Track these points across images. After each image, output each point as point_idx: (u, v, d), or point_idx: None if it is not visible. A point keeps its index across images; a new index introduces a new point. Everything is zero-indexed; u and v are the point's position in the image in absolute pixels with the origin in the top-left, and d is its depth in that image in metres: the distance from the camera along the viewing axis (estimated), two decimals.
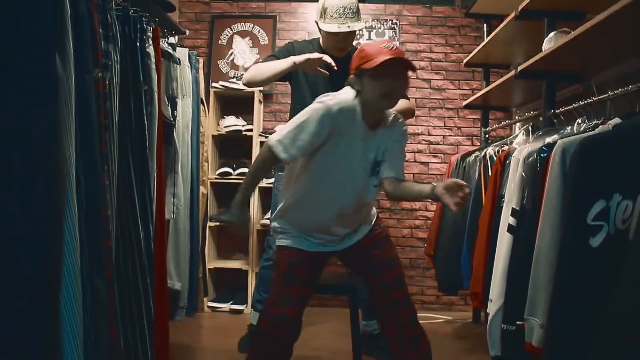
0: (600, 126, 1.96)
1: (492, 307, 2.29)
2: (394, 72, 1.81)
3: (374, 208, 2.17)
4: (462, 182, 1.79)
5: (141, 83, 1.87)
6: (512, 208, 2.24)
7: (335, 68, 2.42)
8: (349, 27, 2.52)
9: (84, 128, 1.44)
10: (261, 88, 3.90)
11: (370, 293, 2.05)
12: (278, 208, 2.09)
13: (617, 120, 1.87)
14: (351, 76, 1.88)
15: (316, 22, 2.64)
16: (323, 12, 2.56)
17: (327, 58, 2.42)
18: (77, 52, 1.43)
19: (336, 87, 2.30)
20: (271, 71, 2.51)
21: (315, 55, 2.43)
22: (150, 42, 1.98)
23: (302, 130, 1.80)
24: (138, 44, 1.88)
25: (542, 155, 2.06)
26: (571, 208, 1.75)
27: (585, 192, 1.71)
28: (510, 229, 2.24)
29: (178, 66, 2.35)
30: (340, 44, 2.62)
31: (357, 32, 2.67)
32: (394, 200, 2.02)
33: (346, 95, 1.87)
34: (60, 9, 1.35)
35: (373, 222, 2.12)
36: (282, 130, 1.84)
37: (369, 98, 1.84)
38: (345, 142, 1.86)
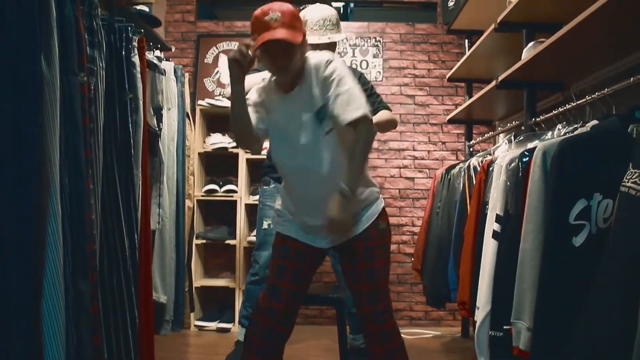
0: (579, 129, 2.00)
1: (480, 314, 2.29)
2: (271, 52, 1.74)
3: (374, 192, 2.00)
4: None
5: (126, 91, 1.89)
6: (497, 214, 2.26)
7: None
8: (329, 38, 2.56)
9: (69, 129, 1.44)
10: None
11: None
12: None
13: (594, 122, 1.91)
14: None
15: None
16: (303, 25, 2.59)
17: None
18: (63, 54, 1.44)
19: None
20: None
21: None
22: (136, 51, 2.00)
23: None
24: (124, 52, 1.90)
25: (523, 160, 2.09)
26: (553, 208, 1.77)
27: (566, 192, 1.74)
28: (495, 235, 2.26)
29: (163, 78, 2.37)
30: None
31: (337, 43, 2.70)
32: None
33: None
34: (46, 11, 1.36)
35: (371, 221, 1.97)
36: None
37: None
38: (274, 113, 1.89)
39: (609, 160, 1.72)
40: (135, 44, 2.00)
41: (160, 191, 2.28)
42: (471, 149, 3.73)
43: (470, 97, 3.73)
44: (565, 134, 2.14)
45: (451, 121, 3.80)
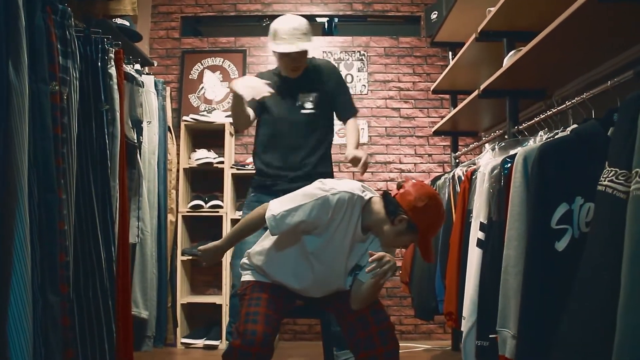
0: (559, 134, 2.00)
1: (466, 324, 2.25)
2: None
3: None
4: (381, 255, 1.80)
5: (102, 102, 1.86)
6: (480, 222, 2.24)
7: (270, 91, 2.45)
8: (297, 47, 2.58)
9: (39, 138, 1.41)
10: (232, 120, 3.91)
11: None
12: (252, 250, 2.08)
13: (574, 126, 1.91)
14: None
15: (270, 46, 2.71)
16: (274, 35, 2.64)
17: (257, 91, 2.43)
18: (33, 63, 1.42)
19: (288, 105, 2.61)
20: (232, 113, 2.61)
21: (242, 81, 2.46)
22: (112, 63, 1.98)
23: (296, 212, 1.81)
24: (99, 63, 1.88)
25: (505, 166, 2.08)
26: (535, 213, 1.75)
27: (548, 197, 1.72)
28: (479, 243, 2.23)
29: (143, 90, 2.35)
30: (292, 64, 2.68)
31: (308, 52, 2.72)
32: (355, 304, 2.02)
33: (349, 186, 1.88)
34: (14, 19, 1.34)
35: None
36: (281, 204, 1.86)
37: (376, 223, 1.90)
38: (333, 234, 1.88)
39: (590, 163, 1.70)
40: (112, 55, 1.98)
41: (139, 204, 2.24)
42: (457, 160, 3.73)
43: (455, 108, 3.74)
44: (547, 139, 2.13)
45: (437, 133, 3.80)
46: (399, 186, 1.91)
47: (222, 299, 3.74)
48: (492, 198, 2.18)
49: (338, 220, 1.85)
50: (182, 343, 3.71)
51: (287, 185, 2.54)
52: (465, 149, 3.68)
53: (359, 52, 4.20)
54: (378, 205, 1.89)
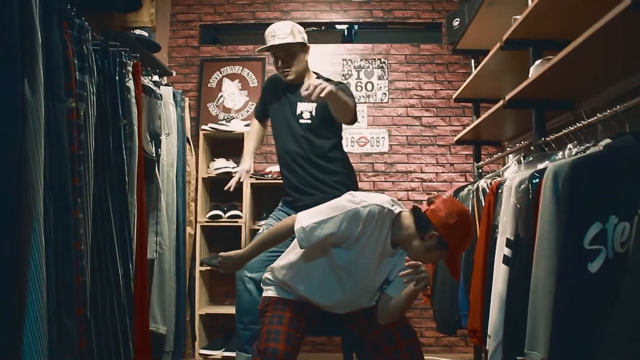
0: (591, 148, 1.91)
1: (491, 343, 2.18)
2: None
3: None
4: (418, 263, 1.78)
5: (120, 117, 1.83)
6: (507, 238, 2.16)
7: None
8: (273, 41, 2.61)
9: (55, 157, 1.38)
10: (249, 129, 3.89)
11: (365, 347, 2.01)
12: (276, 264, 2.05)
13: (607, 140, 1.83)
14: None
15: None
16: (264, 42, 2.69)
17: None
18: (49, 80, 1.39)
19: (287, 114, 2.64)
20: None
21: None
22: (130, 76, 1.95)
23: (326, 224, 1.79)
24: (117, 77, 1.86)
25: (533, 181, 2.00)
26: (566, 233, 1.68)
27: (580, 216, 1.64)
28: (505, 260, 2.16)
29: (161, 102, 2.32)
30: (280, 67, 2.68)
31: (305, 58, 2.73)
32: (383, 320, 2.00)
33: (379, 199, 1.86)
34: (30, 37, 1.32)
35: None
36: (310, 216, 1.84)
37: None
38: (363, 248, 1.85)
39: (624, 181, 1.63)
40: (130, 68, 1.95)
41: (157, 219, 2.21)
42: (480, 170, 3.64)
43: (478, 117, 3.66)
44: (576, 153, 2.05)
45: (459, 142, 3.72)
46: (430, 202, 1.88)
47: None
48: (519, 214, 2.10)
49: (368, 234, 1.82)
50: (200, 354, 3.68)
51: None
52: (489, 159, 3.59)
53: (380, 59, 4.14)
54: (408, 220, 1.87)
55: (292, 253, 2.02)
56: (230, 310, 3.80)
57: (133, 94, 1.94)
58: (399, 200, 4.02)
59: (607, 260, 1.61)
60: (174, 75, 3.21)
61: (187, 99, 3.06)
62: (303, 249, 1.92)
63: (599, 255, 1.62)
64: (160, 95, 2.30)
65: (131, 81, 1.94)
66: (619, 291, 1.60)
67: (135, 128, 1.92)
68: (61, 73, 1.45)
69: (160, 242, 2.30)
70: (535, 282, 1.85)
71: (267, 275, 2.08)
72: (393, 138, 4.08)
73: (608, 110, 1.97)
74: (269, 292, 2.05)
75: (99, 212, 1.71)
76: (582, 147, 2.06)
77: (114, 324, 1.75)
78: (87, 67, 1.61)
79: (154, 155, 2.17)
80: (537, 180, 1.98)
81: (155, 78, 2.46)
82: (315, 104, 2.67)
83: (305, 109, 2.69)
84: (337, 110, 2.49)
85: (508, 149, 3.60)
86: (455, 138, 3.72)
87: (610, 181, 1.64)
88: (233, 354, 3.65)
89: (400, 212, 1.91)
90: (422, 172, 4.05)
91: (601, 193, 1.64)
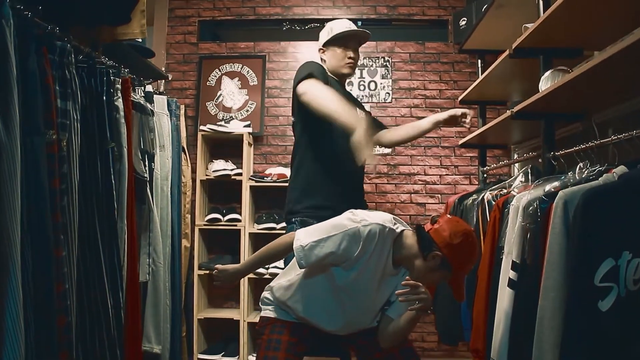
0: (604, 174, 1.81)
1: None
2: None
3: None
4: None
5: (108, 140, 1.74)
6: (513, 261, 2.08)
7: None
8: (359, 28, 2.51)
9: (33, 199, 1.29)
10: (250, 130, 3.79)
11: None
12: (275, 284, 1.98)
13: (622, 168, 1.73)
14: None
15: (321, 49, 2.59)
16: (329, 32, 2.55)
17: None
18: (25, 114, 1.30)
19: None
20: (334, 111, 2.06)
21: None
22: (119, 94, 1.85)
23: (325, 242, 1.73)
24: (105, 97, 1.76)
25: (542, 206, 1.91)
26: (577, 269, 1.59)
27: (592, 251, 1.56)
28: (511, 283, 2.08)
29: (152, 118, 2.22)
30: (350, 58, 2.55)
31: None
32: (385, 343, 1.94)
33: (380, 218, 1.79)
34: (3, 69, 1.22)
35: None
36: (309, 234, 1.77)
37: None
38: (364, 268, 1.78)
39: (639, 215, 1.54)
40: (119, 86, 1.85)
41: (149, 239, 2.13)
42: (485, 175, 3.54)
43: (484, 119, 3.55)
44: (587, 176, 1.95)
45: (464, 145, 3.62)
46: (434, 221, 1.81)
47: (240, 314, 3.65)
48: (525, 237, 2.02)
49: (369, 254, 1.76)
50: (199, 359, 3.64)
51: None
52: (495, 163, 3.49)
53: (383, 57, 4.01)
54: (410, 239, 1.81)
55: (292, 271, 1.96)
56: (230, 314, 3.75)
57: (122, 113, 1.84)
58: (402, 203, 3.94)
59: (619, 299, 1.53)
60: (169, 78, 3.10)
61: (182, 106, 2.97)
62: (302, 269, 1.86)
63: (611, 293, 1.54)
64: (152, 111, 2.20)
65: (120, 99, 1.84)
66: (630, 330, 1.53)
67: (125, 150, 1.83)
68: (39, 104, 1.35)
69: (154, 259, 2.23)
70: (541, 313, 1.78)
71: (266, 294, 2.03)
72: None
73: (623, 134, 1.87)
74: (268, 312, 1.99)
75: (87, 244, 1.63)
76: (593, 170, 1.96)
77: (104, 356, 1.68)
78: (69, 93, 1.51)
79: (146, 175, 2.08)
80: (546, 205, 1.89)
81: (149, 88, 2.36)
82: (362, 112, 2.58)
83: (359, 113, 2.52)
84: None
85: (515, 154, 3.50)
86: (461, 141, 3.61)
87: (624, 215, 1.56)
88: (232, 359, 3.61)
89: (402, 230, 1.84)
90: (425, 174, 3.95)
91: (614, 227, 1.55)
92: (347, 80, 3.89)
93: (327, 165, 2.33)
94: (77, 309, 1.56)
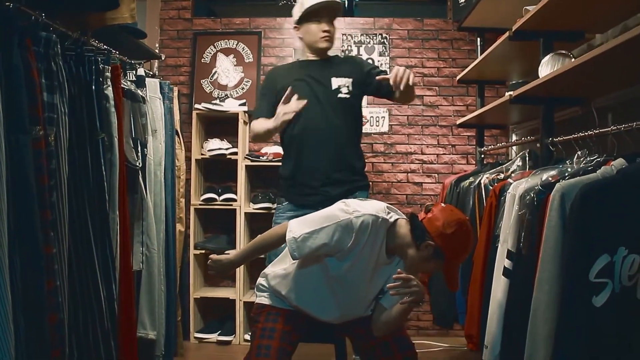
0: (602, 167, 1.79)
1: (488, 354, 2.14)
2: None
3: None
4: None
5: (97, 130, 1.70)
6: (508, 250, 2.08)
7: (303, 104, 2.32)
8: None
9: (20, 200, 1.27)
10: (245, 108, 3.74)
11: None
12: (270, 271, 1.99)
13: (621, 161, 1.70)
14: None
15: (295, 27, 2.60)
16: (300, 8, 2.52)
17: (294, 106, 2.31)
18: (9, 110, 1.26)
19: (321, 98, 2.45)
20: (263, 131, 2.45)
21: (285, 109, 2.32)
22: (109, 82, 1.81)
23: (318, 234, 1.72)
24: (94, 86, 1.71)
25: (539, 196, 1.90)
26: (572, 264, 1.59)
27: (588, 246, 1.55)
28: (505, 272, 2.08)
29: (144, 105, 2.17)
30: (325, 32, 2.53)
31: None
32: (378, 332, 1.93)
33: (373, 208, 1.77)
34: None
35: None
36: (302, 225, 1.76)
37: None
38: (357, 258, 1.78)
39: (635, 211, 1.52)
40: (109, 74, 1.80)
41: (142, 228, 2.11)
42: (482, 155, 3.52)
43: (482, 98, 3.51)
44: (586, 166, 1.93)
45: (462, 125, 3.58)
46: (427, 210, 1.79)
47: (236, 293, 3.66)
48: (521, 227, 2.01)
49: (362, 244, 1.75)
50: (195, 337, 3.67)
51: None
52: (492, 143, 3.47)
53: (381, 34, 3.94)
54: (404, 228, 1.79)
55: (287, 259, 1.95)
56: (226, 294, 3.77)
57: (112, 102, 1.80)
58: (398, 182, 3.92)
59: (613, 294, 1.54)
60: (162, 58, 3.04)
61: (176, 88, 2.90)
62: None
63: (605, 289, 1.54)
64: (143, 97, 2.15)
65: (110, 88, 1.80)
66: (624, 326, 1.53)
67: (116, 139, 1.79)
68: (24, 99, 1.31)
69: (148, 246, 2.21)
70: (535, 305, 1.78)
71: (262, 281, 2.03)
72: (393, 118, 3.92)
73: (624, 125, 1.83)
74: (263, 299, 2.00)
75: (79, 237, 1.61)
76: (591, 160, 1.94)
77: (98, 349, 1.68)
78: (56, 86, 1.46)
79: (138, 163, 2.04)
80: (543, 196, 1.87)
81: (141, 71, 2.30)
82: (351, 79, 2.53)
83: (343, 84, 2.52)
84: (409, 92, 2.40)
85: (513, 135, 3.47)
86: (459, 121, 3.58)
87: (622, 210, 1.55)
88: (228, 338, 3.64)
89: (396, 220, 1.83)
90: (422, 153, 3.92)
91: (611, 223, 1.54)
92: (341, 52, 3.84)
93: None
94: (69, 304, 1.55)
